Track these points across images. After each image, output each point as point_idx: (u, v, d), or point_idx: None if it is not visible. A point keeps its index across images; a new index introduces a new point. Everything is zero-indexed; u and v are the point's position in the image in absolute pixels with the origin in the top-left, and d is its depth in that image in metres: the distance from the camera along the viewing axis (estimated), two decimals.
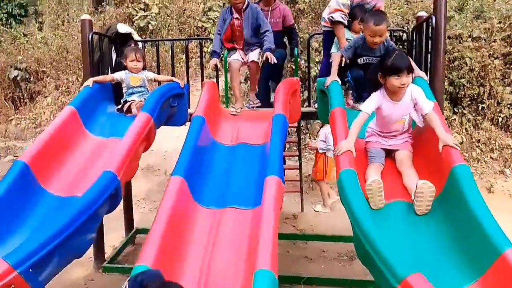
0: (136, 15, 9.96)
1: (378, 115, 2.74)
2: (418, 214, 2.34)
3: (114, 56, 4.22)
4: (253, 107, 3.88)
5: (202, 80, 4.38)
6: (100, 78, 3.65)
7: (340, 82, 3.23)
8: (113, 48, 4.22)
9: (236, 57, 3.89)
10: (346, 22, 3.69)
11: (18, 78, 10.13)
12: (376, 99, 2.66)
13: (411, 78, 2.64)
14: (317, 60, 6.79)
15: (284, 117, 2.97)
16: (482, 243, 2.00)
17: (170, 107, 3.58)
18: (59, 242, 2.22)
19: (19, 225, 2.56)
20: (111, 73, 4.03)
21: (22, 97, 10.11)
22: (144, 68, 3.77)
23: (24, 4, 12.70)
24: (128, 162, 2.80)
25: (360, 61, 3.28)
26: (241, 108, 3.76)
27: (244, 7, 3.81)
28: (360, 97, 3.22)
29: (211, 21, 9.77)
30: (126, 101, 3.57)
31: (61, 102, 9.69)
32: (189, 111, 3.89)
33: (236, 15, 3.86)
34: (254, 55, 3.80)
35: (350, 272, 3.96)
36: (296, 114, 3.47)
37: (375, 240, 1.95)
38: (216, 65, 3.98)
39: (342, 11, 3.64)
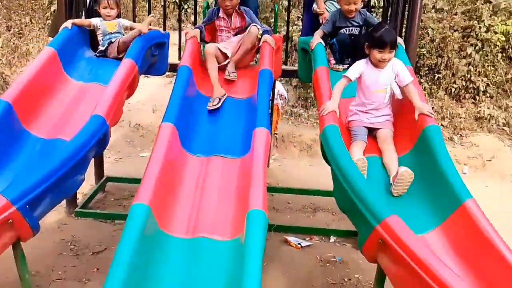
0: None
1: (360, 84, 2.85)
2: (394, 195, 2.46)
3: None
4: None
5: (180, 36, 4.33)
6: (78, 21, 3.53)
7: (323, 43, 3.33)
8: None
9: (213, 45, 3.49)
10: None
11: None
12: (360, 66, 2.80)
13: (393, 54, 2.77)
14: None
15: (271, 72, 3.08)
16: (446, 193, 2.30)
17: (151, 56, 3.56)
18: (52, 182, 2.27)
19: (4, 164, 2.56)
20: (85, 17, 3.90)
21: None
22: (118, 16, 3.68)
23: None
24: (115, 108, 2.82)
25: (341, 32, 3.36)
26: (220, 98, 3.14)
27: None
28: (342, 60, 3.35)
29: None
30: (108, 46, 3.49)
31: (14, 44, 9.14)
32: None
33: (223, 15, 3.60)
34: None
35: (314, 221, 4.29)
36: (278, 70, 3.57)
37: (359, 185, 2.17)
38: (195, 37, 3.53)
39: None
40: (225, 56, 3.44)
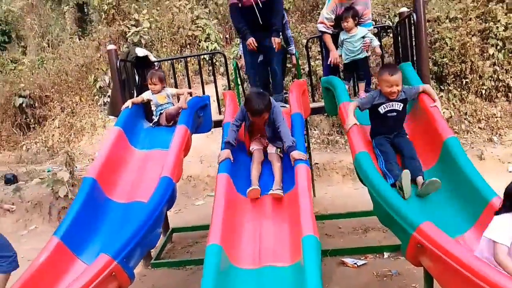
0: (129, 32, 10.39)
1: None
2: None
3: (137, 77, 4.76)
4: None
5: (216, 92, 4.94)
6: (134, 100, 4.19)
7: (357, 122, 3.29)
8: (135, 70, 4.75)
9: (257, 146, 3.53)
10: (330, 32, 4.21)
11: (24, 105, 10.53)
12: None
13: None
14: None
15: (301, 115, 3.54)
16: (473, 195, 2.59)
17: (198, 117, 4.13)
18: (140, 236, 2.77)
19: (97, 228, 3.11)
20: (136, 93, 4.58)
21: (29, 123, 10.54)
22: (164, 87, 4.28)
23: (7, 30, 12.81)
24: (177, 168, 3.35)
25: (381, 109, 3.19)
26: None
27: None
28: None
29: (201, 28, 10.28)
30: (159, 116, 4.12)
31: (69, 123, 10.17)
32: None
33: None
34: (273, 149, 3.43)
35: (366, 241, 4.55)
36: (307, 110, 4.02)
37: (393, 201, 2.53)
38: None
39: (325, 24, 4.18)
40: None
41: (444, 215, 2.64)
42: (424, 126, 3.20)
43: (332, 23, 4.19)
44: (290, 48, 5.04)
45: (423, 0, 3.77)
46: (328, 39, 4.21)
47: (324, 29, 4.20)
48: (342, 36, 4.12)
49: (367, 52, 4.10)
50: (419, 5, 3.77)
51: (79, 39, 12.22)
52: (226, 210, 2.85)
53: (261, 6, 4.11)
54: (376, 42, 4.07)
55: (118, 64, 4.31)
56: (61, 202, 6.60)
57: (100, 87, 10.16)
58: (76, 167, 7.45)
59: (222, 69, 8.76)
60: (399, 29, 4.44)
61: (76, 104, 10.50)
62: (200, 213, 6.22)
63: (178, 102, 4.16)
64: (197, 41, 10.19)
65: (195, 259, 4.64)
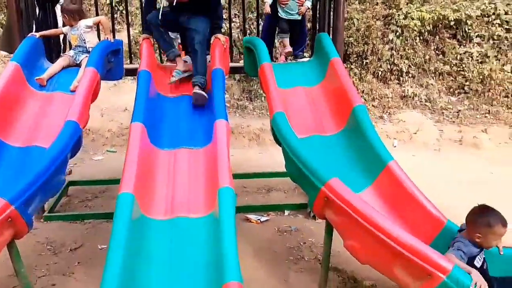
0: None
1: None
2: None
3: (37, 10, 4.22)
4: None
5: (129, 37, 4.63)
6: (46, 32, 3.78)
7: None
8: (35, 2, 4.20)
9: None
10: None
11: None
12: None
13: None
14: None
15: (222, 70, 3.50)
16: (373, 158, 2.88)
17: (108, 63, 3.84)
18: (41, 182, 2.54)
19: None
20: (35, 27, 4.08)
21: None
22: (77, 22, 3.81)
23: None
24: (85, 113, 3.11)
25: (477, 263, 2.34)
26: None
27: None
28: None
29: None
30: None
31: None
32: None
33: None
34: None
35: (269, 200, 4.81)
36: (227, 67, 3.99)
37: (304, 157, 2.70)
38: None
39: None
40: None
41: (347, 174, 2.89)
42: (335, 93, 3.41)
43: None
44: None
45: None
46: None
47: None
48: None
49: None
50: None
51: None
52: (139, 162, 2.74)
53: None
54: (308, 3, 4.30)
55: None
56: None
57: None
58: None
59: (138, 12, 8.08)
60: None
61: None
62: (98, 169, 5.90)
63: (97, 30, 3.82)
64: None
65: (94, 213, 4.43)
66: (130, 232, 2.34)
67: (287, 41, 4.33)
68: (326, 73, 3.63)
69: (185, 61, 3.80)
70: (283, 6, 4.10)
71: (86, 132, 7.14)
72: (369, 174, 2.88)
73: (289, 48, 4.38)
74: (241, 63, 4.65)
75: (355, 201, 2.41)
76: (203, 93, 3.40)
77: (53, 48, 4.26)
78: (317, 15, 4.60)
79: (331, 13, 4.15)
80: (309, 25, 5.09)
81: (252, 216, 4.24)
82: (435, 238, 2.56)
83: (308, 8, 4.41)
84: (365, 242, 2.35)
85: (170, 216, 2.67)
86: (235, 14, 8.20)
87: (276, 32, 4.63)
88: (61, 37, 4.45)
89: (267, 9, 4.22)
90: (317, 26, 4.53)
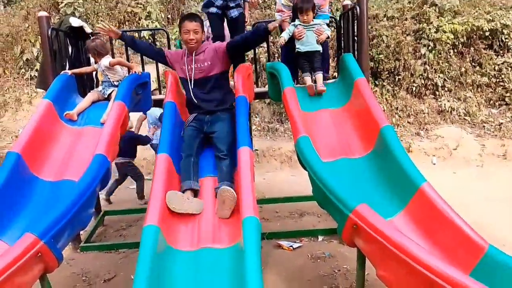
0: (62, 2, 9.71)
1: None
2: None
3: (70, 49, 4.43)
4: None
5: (157, 71, 4.77)
6: (77, 70, 3.96)
7: None
8: (68, 41, 4.42)
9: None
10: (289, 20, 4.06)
11: None
12: None
13: None
14: None
15: (245, 98, 3.50)
16: (405, 181, 2.74)
17: (136, 95, 3.94)
18: (70, 216, 2.59)
19: (20, 210, 2.87)
20: (69, 66, 4.27)
21: None
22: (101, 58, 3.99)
23: None
24: (113, 146, 3.18)
25: None
26: None
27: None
28: None
29: (141, 5, 9.84)
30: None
31: None
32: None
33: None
34: None
35: (301, 225, 4.69)
36: (251, 94, 3.99)
37: (330, 182, 2.60)
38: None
39: (283, 12, 4.09)
40: None
41: (377, 199, 2.76)
42: (361, 114, 3.32)
43: (290, 12, 4.10)
44: None
45: None
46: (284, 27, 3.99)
47: (279, 17, 4.08)
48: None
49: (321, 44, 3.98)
50: None
51: (4, 6, 11.21)
52: (164, 192, 2.76)
53: None
54: (328, 32, 3.96)
55: (49, 33, 3.97)
56: None
57: (27, 59, 9.38)
58: None
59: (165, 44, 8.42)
60: (342, 21, 4.54)
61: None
62: (134, 197, 6.01)
63: (120, 71, 3.96)
64: (137, 19, 9.73)
65: (128, 242, 4.48)
66: (154, 264, 2.33)
67: (308, 79, 3.86)
68: (351, 94, 3.55)
69: None
70: (300, 39, 3.82)
71: None
72: (400, 198, 2.73)
73: (322, 87, 3.80)
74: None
75: (386, 228, 2.28)
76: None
77: (86, 83, 4.43)
78: (341, 36, 4.55)
79: (355, 32, 4.08)
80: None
81: (284, 243, 4.14)
82: (476, 265, 2.37)
83: (328, 37, 4.03)
84: (399, 272, 2.21)
85: (196, 247, 2.64)
86: None
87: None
88: (94, 73, 4.63)
89: (282, 41, 3.90)
90: (342, 46, 4.46)
